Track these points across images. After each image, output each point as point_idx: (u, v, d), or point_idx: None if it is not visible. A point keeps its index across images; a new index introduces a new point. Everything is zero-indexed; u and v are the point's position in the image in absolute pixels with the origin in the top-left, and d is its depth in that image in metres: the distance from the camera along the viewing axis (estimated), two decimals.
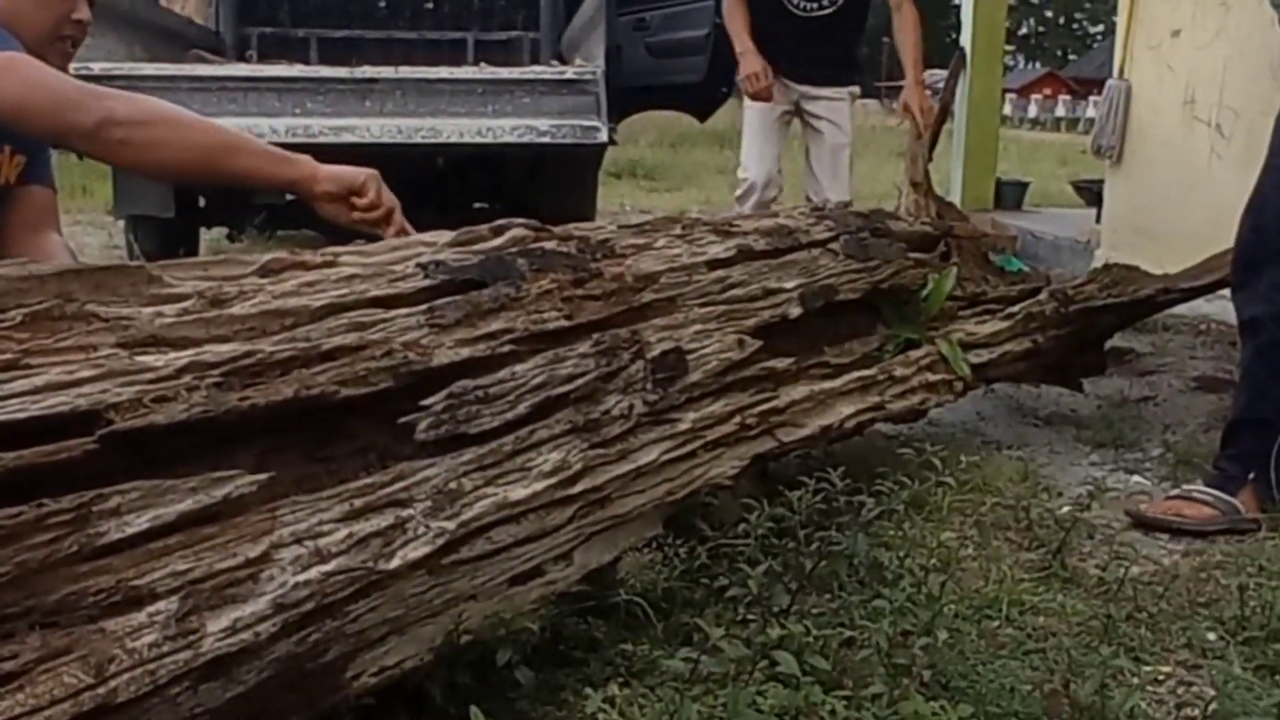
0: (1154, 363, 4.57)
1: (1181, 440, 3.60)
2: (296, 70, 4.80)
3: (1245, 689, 1.95)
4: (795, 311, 2.55)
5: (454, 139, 4.58)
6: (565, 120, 4.64)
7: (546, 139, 4.62)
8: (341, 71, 4.71)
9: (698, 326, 2.26)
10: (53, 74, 1.98)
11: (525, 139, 4.61)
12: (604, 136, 4.67)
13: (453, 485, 1.67)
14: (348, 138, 4.51)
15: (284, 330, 1.59)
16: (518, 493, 1.76)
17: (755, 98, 4.53)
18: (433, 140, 4.58)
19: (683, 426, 2.14)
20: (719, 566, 2.17)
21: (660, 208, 9.96)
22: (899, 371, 2.84)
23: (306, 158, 2.07)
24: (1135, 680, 1.98)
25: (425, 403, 1.68)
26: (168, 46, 5.44)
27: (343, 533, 1.50)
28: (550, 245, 2.09)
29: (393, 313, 1.73)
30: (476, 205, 6.06)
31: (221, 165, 2.00)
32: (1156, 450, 3.54)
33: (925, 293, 3.06)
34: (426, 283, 1.82)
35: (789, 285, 2.58)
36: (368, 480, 1.58)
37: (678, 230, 2.49)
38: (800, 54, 4.57)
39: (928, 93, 4.30)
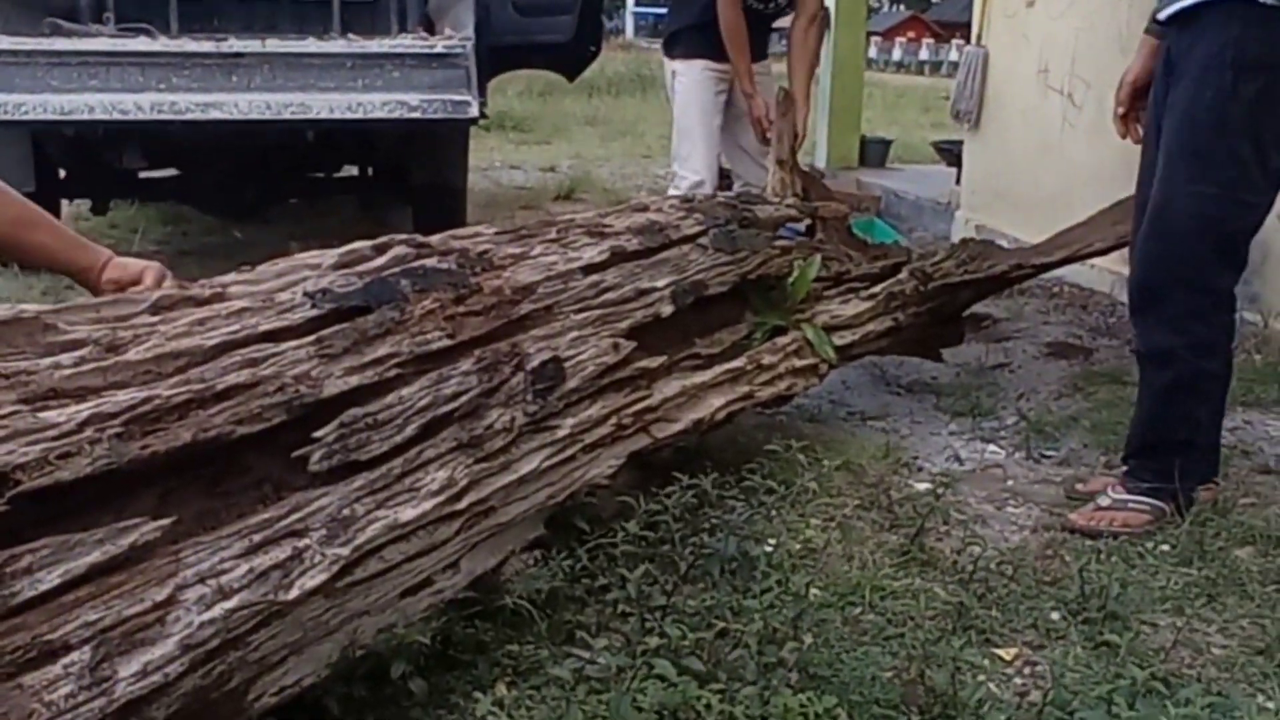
0: (1009, 328, 4.77)
1: (1035, 408, 3.79)
2: (160, 45, 4.73)
3: (1085, 668, 2.13)
4: (667, 310, 2.65)
5: (324, 114, 4.56)
6: (435, 95, 4.64)
7: (417, 114, 4.63)
8: (207, 46, 4.65)
9: (574, 333, 2.35)
10: None
11: (396, 114, 4.62)
12: (474, 110, 4.69)
13: (346, 512, 1.75)
14: (215, 114, 4.46)
15: (179, 372, 1.65)
16: (408, 513, 1.84)
17: (764, 140, 4.49)
18: (302, 116, 4.55)
19: (562, 433, 2.24)
20: (598, 565, 2.28)
21: (530, 161, 9.99)
22: (766, 359, 2.97)
23: (103, 249, 2.00)
24: (985, 663, 2.15)
25: (318, 435, 1.76)
26: (22, 13, 5.32)
27: (243, 568, 1.57)
28: (431, 262, 2.16)
29: (283, 346, 1.79)
30: (345, 172, 6.05)
31: (19, 238, 1.93)
32: (1011, 419, 3.73)
33: (791, 280, 3.19)
34: (314, 312, 1.89)
35: (660, 284, 2.68)
36: (265, 515, 1.66)
37: (553, 234, 2.57)
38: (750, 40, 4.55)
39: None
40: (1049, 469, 3.28)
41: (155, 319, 1.72)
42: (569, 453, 2.25)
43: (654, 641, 1.92)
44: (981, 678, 2.11)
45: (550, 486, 2.21)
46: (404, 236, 2.22)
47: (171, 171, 5.66)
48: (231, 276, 1.99)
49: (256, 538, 1.62)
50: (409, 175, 5.38)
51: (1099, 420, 3.59)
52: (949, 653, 2.06)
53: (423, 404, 1.93)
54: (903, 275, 3.63)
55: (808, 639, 2.07)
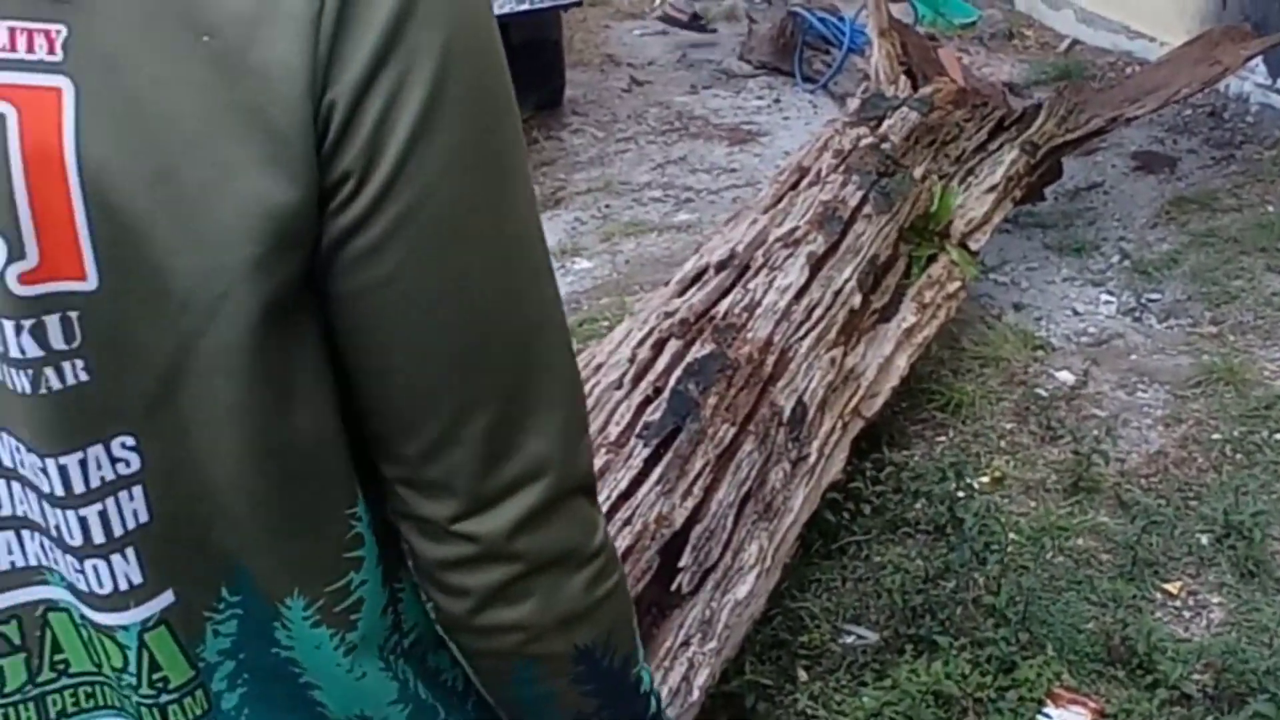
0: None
1: (1133, 242, 4.31)
2: None
3: (1237, 597, 2.78)
4: (857, 300, 3.17)
5: None
6: None
7: (525, 6, 4.89)
8: None
9: (804, 365, 2.89)
10: None
11: (506, 9, 4.86)
12: None
13: (707, 613, 2.37)
14: None
15: None
16: (742, 591, 2.46)
17: None
18: None
19: (812, 459, 2.81)
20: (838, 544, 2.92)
21: None
22: (927, 297, 3.49)
23: None
24: (1159, 597, 2.80)
25: (681, 564, 2.35)
26: None
27: (664, 691, 2.21)
28: (697, 350, 2.69)
29: (639, 495, 2.36)
30: None
31: None
32: (1115, 256, 4.27)
33: (933, 210, 3.66)
34: (646, 451, 2.44)
35: (846, 274, 3.18)
36: (666, 641, 2.27)
37: (760, 259, 3.07)
38: None
39: None
40: (1160, 330, 3.84)
41: None
42: (818, 471, 2.84)
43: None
44: (1159, 615, 2.76)
45: (809, 504, 2.81)
46: (666, 323, 2.73)
47: None
48: None
49: (666, 662, 2.24)
50: (506, 33, 5.65)
51: (1197, 265, 4.10)
52: (1128, 592, 2.71)
53: (731, 498, 2.51)
54: (1014, 154, 4.08)
55: (1015, 590, 2.71)
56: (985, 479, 3.18)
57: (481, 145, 0.71)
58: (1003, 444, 3.33)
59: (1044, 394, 3.51)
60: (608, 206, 5.17)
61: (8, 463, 0.71)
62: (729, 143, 5.67)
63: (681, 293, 3.00)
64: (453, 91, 0.68)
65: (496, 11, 4.90)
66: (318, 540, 0.76)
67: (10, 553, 0.74)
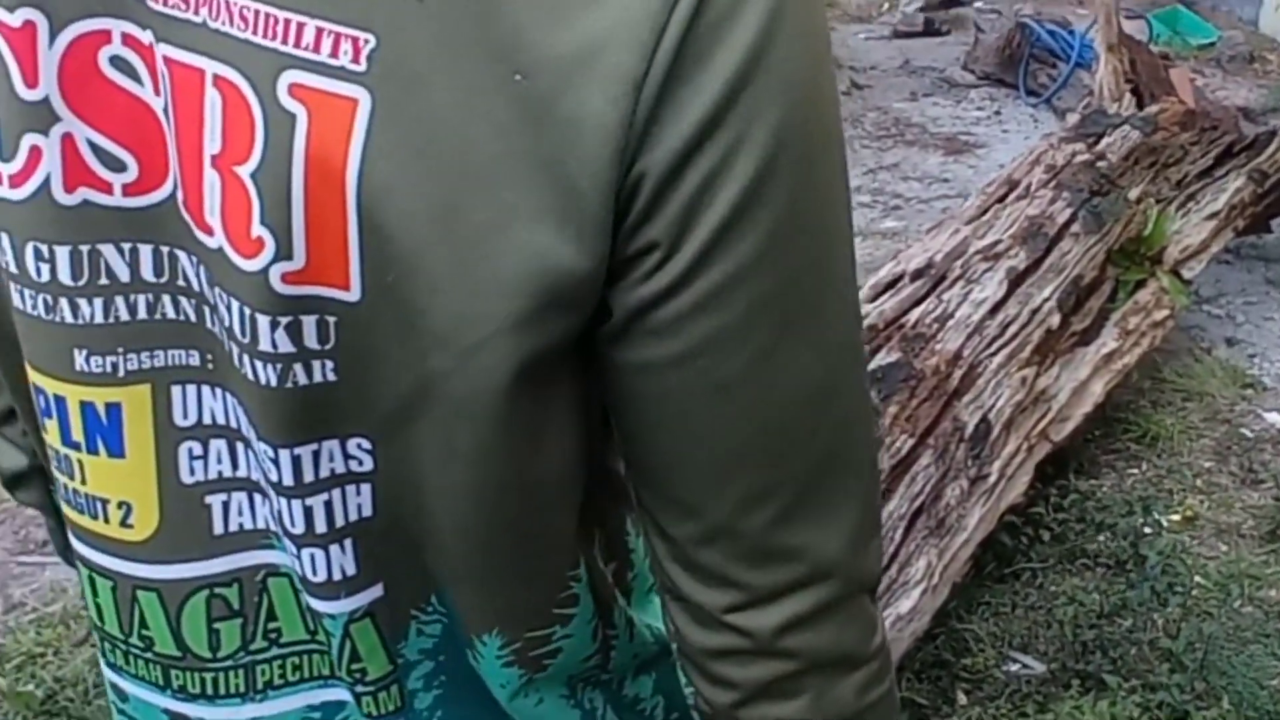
0: None
1: None
2: None
3: None
4: (1056, 321, 3.07)
5: None
6: None
7: None
8: None
9: (993, 382, 2.82)
10: None
11: None
12: None
13: None
14: None
15: None
16: (905, 606, 2.41)
17: None
18: None
19: (993, 479, 2.74)
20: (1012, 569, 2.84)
21: None
22: (1132, 323, 3.36)
23: None
24: None
25: None
26: None
27: None
28: (883, 357, 2.65)
29: None
30: None
31: None
32: None
33: (1147, 233, 3.52)
34: None
35: (1047, 293, 3.09)
36: None
37: (958, 269, 3.00)
38: None
39: None
40: None
41: None
42: (997, 491, 2.77)
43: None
44: None
45: (984, 525, 2.74)
46: None
47: None
48: None
49: None
50: None
51: None
52: None
53: (903, 511, 2.47)
54: (1239, 183, 3.90)
55: (1196, 636, 2.60)
56: (1175, 517, 3.05)
57: (810, 221, 0.64)
58: (1198, 483, 3.19)
59: (1249, 435, 3.35)
60: None
61: (246, 432, 0.70)
62: (944, 152, 5.57)
63: (874, 298, 2.96)
64: (785, 164, 0.61)
65: None
66: (529, 592, 0.73)
67: (240, 514, 0.74)
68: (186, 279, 0.68)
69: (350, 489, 0.69)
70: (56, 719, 2.63)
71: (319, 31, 0.59)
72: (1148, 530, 2.91)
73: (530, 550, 0.72)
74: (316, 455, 0.67)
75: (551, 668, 0.76)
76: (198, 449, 0.72)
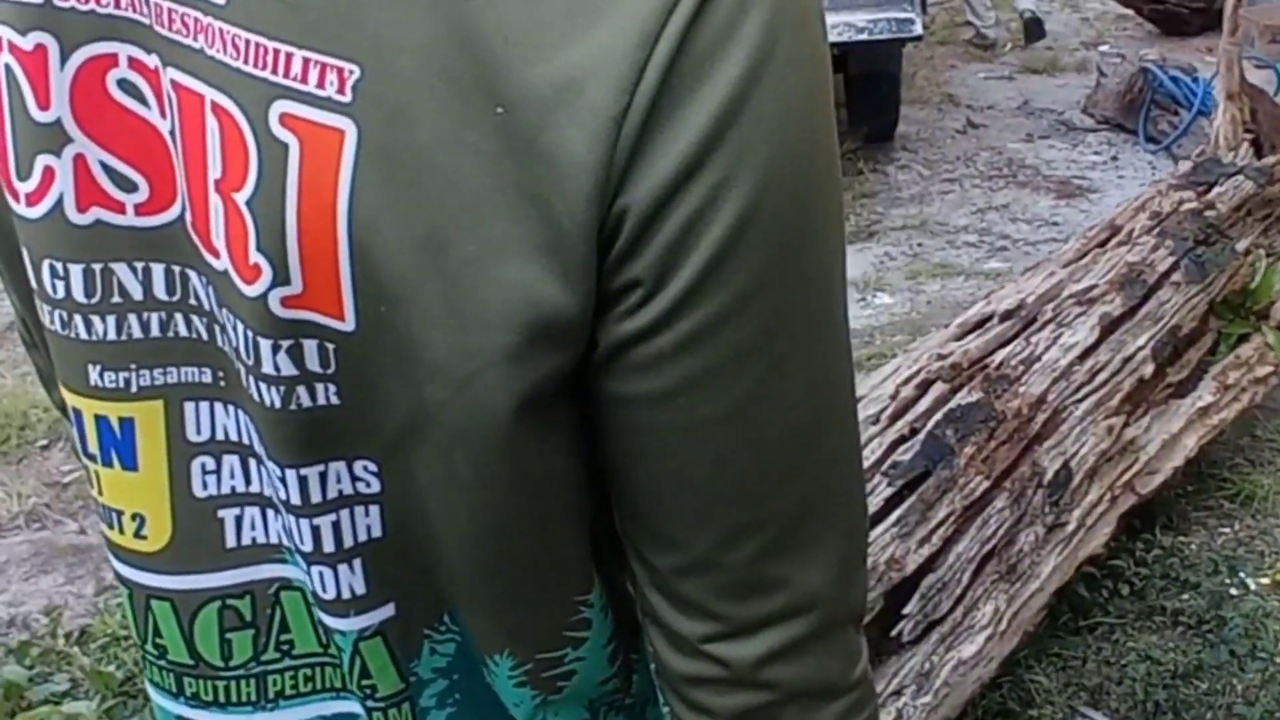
0: None
1: None
2: None
3: None
4: (1149, 370, 3.00)
5: None
6: (881, 14, 4.85)
7: (864, 35, 4.86)
8: None
9: (1076, 429, 2.76)
10: None
11: (844, 37, 4.84)
12: (919, 28, 4.89)
13: (926, 666, 2.29)
14: None
15: None
16: (968, 651, 2.37)
17: None
18: None
19: (1071, 528, 2.69)
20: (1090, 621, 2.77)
21: None
22: (1231, 378, 3.27)
23: None
24: None
25: (906, 610, 2.29)
26: None
27: None
28: (964, 396, 2.61)
29: (874, 534, 2.31)
30: None
31: None
32: None
33: (1253, 286, 3.43)
34: (889, 491, 2.39)
35: (1141, 341, 3.02)
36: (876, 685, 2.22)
37: (1050, 313, 2.95)
38: None
39: None
40: None
41: None
42: (1075, 541, 2.71)
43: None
44: None
45: (1059, 574, 2.68)
46: (936, 364, 2.66)
47: None
48: None
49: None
50: (845, 64, 5.63)
51: None
52: None
53: (972, 553, 2.43)
54: None
55: (1275, 705, 2.51)
56: (1265, 580, 2.96)
57: (800, 264, 0.63)
58: None
59: None
60: (920, 245, 5.09)
61: (258, 449, 0.71)
62: (1056, 195, 5.49)
63: (960, 337, 2.92)
64: (775, 204, 0.60)
65: (834, 39, 4.95)
66: (538, 615, 0.73)
67: (253, 528, 0.74)
68: (198, 298, 0.69)
69: (359, 510, 0.69)
70: (133, 700, 2.70)
71: (306, 62, 0.59)
72: (1234, 591, 2.83)
73: (538, 574, 0.71)
74: (324, 476, 0.68)
75: (567, 690, 0.76)
76: (211, 464, 0.73)
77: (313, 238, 0.61)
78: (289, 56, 0.60)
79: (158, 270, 0.69)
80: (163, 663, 0.79)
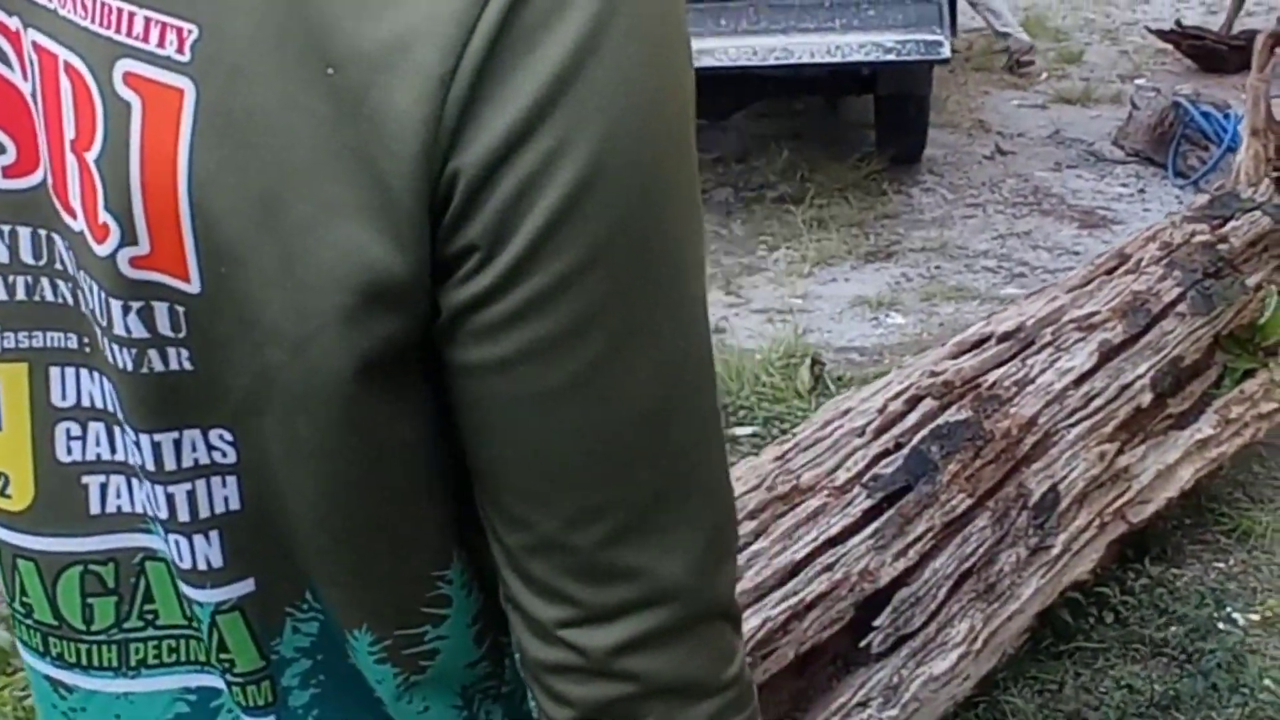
0: None
1: None
2: None
3: None
4: (1148, 399, 2.98)
5: (805, 59, 4.85)
6: (909, 35, 4.82)
7: (891, 56, 4.84)
8: None
9: (1067, 453, 2.74)
10: None
11: (871, 56, 4.84)
12: (947, 50, 4.88)
13: (895, 679, 2.28)
14: (706, 61, 4.82)
15: (780, 587, 2.19)
16: (940, 667, 2.35)
17: None
18: (785, 62, 4.87)
19: (1055, 551, 2.67)
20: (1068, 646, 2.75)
21: None
22: (1234, 412, 3.24)
23: None
24: None
25: (876, 623, 2.27)
26: None
27: None
28: (953, 415, 2.60)
29: (849, 544, 2.30)
30: None
31: None
32: None
33: (1261, 322, 3.40)
34: (868, 503, 2.38)
35: (1141, 370, 3.00)
36: (840, 697, 2.21)
37: (1049, 336, 2.93)
38: None
39: None
40: None
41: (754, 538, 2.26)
42: (1060, 565, 2.69)
43: None
44: None
45: (1042, 596, 2.66)
46: (928, 381, 2.65)
47: None
48: (792, 444, 2.50)
49: (836, 718, 2.18)
50: (874, 84, 5.61)
51: None
52: None
53: (950, 570, 2.41)
54: None
55: None
56: (1254, 616, 2.93)
57: (645, 236, 0.63)
58: None
59: None
60: (937, 268, 5.08)
61: (119, 416, 0.71)
62: (1079, 225, 5.46)
63: (955, 356, 2.90)
64: (615, 173, 0.60)
65: (861, 58, 4.95)
66: (395, 592, 0.73)
67: (119, 496, 0.74)
68: (63, 262, 0.69)
69: (216, 480, 0.69)
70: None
71: (147, 21, 0.61)
72: (1220, 625, 2.80)
73: (391, 547, 0.71)
74: (178, 444, 0.68)
75: (431, 669, 0.75)
76: (76, 430, 0.74)
77: (156, 198, 0.62)
78: (131, 15, 0.61)
79: (24, 234, 0.70)
80: (29, 621, 0.79)
